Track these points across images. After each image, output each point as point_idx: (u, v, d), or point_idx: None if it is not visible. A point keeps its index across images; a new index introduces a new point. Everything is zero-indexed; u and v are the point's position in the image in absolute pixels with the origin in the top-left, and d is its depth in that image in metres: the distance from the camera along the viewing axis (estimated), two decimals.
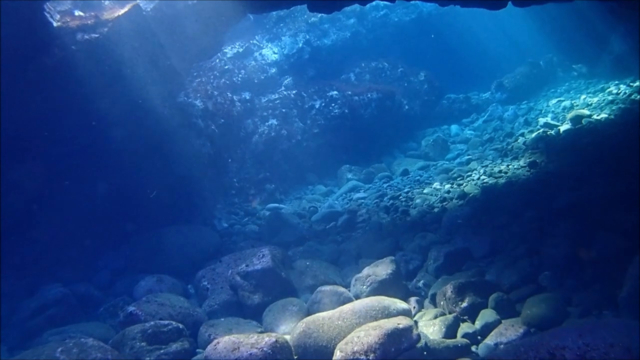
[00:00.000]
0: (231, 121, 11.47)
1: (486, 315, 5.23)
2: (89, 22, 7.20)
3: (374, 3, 16.82)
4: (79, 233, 7.82)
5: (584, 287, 5.34)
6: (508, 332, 4.85)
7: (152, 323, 5.64)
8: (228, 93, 11.91)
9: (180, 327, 5.77)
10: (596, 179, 7.60)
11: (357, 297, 6.23)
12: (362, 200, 10.27)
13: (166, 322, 5.73)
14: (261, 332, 6.00)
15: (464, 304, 5.43)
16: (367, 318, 5.22)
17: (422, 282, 6.37)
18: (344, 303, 6.02)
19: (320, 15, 15.45)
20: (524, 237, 6.72)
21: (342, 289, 6.33)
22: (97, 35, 7.20)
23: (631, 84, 12.68)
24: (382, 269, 6.30)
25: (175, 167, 9.25)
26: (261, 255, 6.96)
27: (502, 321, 5.15)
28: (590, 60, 15.67)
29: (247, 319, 6.48)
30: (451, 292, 5.55)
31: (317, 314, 5.51)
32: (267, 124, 12.27)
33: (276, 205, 10.76)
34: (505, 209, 7.78)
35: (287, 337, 5.56)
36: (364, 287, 6.22)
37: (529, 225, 6.96)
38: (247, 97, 12.45)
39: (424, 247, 7.29)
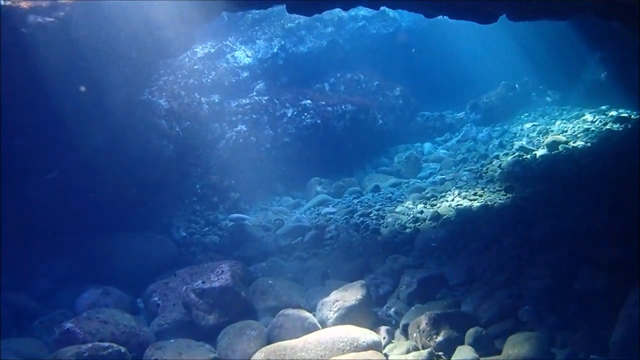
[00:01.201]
0: (197, 124, 10.84)
1: (463, 352, 4.76)
2: (44, 4, 6.51)
3: (352, 13, 16.58)
4: (18, 235, 7.04)
5: (567, 326, 4.93)
6: None
7: (89, 345, 4.99)
8: (196, 94, 11.29)
9: (122, 350, 5.13)
10: (575, 208, 7.30)
11: (323, 323, 5.69)
12: (331, 216, 9.76)
13: (106, 344, 5.08)
14: (214, 358, 5.42)
15: (439, 338, 4.96)
16: (334, 351, 4.70)
17: (393, 309, 5.87)
18: (308, 329, 5.50)
19: (297, 21, 15.00)
20: (501, 265, 6.31)
21: (306, 314, 5.78)
22: (51, 20, 6.51)
23: (606, 112, 12.59)
24: (351, 294, 5.78)
25: (132, 169, 8.56)
26: (220, 272, 6.35)
27: (482, 359, 4.70)
28: (564, 87, 15.66)
29: (200, 341, 5.86)
30: (426, 324, 5.07)
31: (278, 343, 4.96)
32: (235, 129, 11.67)
33: (240, 215, 10.14)
34: (481, 234, 7.39)
35: None
36: (331, 312, 5.69)
37: (507, 254, 6.57)
38: (216, 100, 11.85)
39: (396, 271, 6.82)
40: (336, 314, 5.63)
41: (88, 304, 6.42)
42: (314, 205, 10.78)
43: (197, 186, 10.48)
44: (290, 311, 5.79)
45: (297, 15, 14.82)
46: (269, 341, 5.54)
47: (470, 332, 4.95)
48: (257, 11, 14.48)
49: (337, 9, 15.90)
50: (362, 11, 16.99)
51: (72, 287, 7.07)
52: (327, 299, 5.90)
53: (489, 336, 4.94)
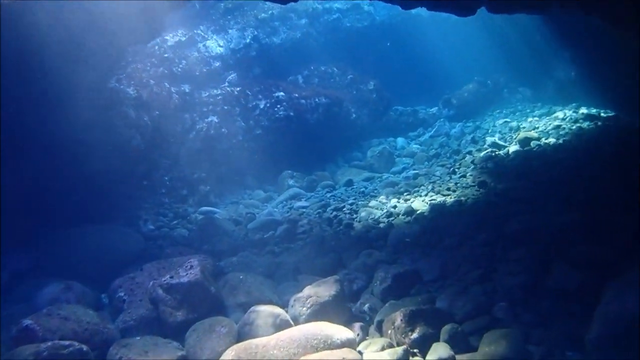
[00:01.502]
0: (167, 114, 10.53)
1: (439, 349, 4.66)
2: None
3: (327, 5, 16.42)
4: None
5: (541, 323, 4.88)
6: None
7: (49, 344, 4.73)
8: (166, 83, 10.97)
9: (84, 349, 4.88)
10: (547, 205, 7.30)
11: (296, 320, 5.53)
12: (304, 210, 9.59)
13: (67, 342, 4.82)
14: (182, 356, 5.21)
15: (414, 335, 4.84)
16: (307, 348, 4.54)
17: (367, 305, 5.74)
18: (280, 326, 5.33)
19: (270, 11, 14.78)
20: (475, 261, 6.25)
21: (278, 310, 5.61)
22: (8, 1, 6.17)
23: (576, 110, 12.72)
24: (324, 290, 5.63)
25: (98, 160, 8.24)
26: (189, 266, 6.13)
27: (457, 357, 4.60)
28: (535, 84, 15.81)
29: (167, 338, 5.62)
30: (401, 320, 4.95)
31: (249, 341, 4.77)
32: (206, 120, 11.39)
33: (210, 208, 9.91)
34: (455, 229, 7.32)
35: None
36: (304, 308, 5.53)
37: (481, 249, 6.52)
38: (187, 90, 11.53)
39: (370, 266, 6.69)
40: (309, 310, 5.47)
41: (49, 300, 6.11)
42: (286, 199, 10.60)
43: (166, 178, 10.19)
44: (261, 307, 5.61)
45: (271, 6, 14.64)
46: (240, 338, 5.35)
47: (446, 328, 4.85)
48: (230, 0, 14.23)
49: (311, 0, 15.78)
50: (337, 4, 16.87)
51: (32, 281, 6.76)
52: (300, 294, 5.74)
53: (464, 333, 4.85)
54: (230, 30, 13.68)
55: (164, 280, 6.03)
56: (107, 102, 8.91)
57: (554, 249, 5.86)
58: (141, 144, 9.26)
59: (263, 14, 14.60)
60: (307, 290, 5.71)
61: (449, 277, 6.13)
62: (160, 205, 9.66)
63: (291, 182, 11.43)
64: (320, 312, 5.42)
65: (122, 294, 6.32)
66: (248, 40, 13.78)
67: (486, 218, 7.39)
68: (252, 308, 5.64)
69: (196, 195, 10.36)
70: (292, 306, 5.70)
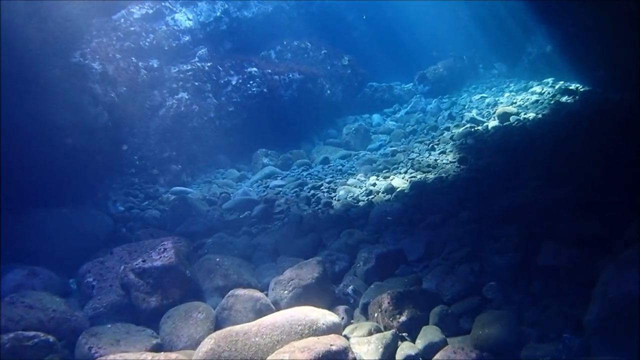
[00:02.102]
0: (135, 90, 10.03)
1: (429, 333, 4.46)
2: None
3: None
4: None
5: (534, 303, 4.72)
6: (457, 356, 4.10)
7: (11, 335, 4.36)
8: (133, 58, 10.44)
9: (51, 340, 4.53)
10: (530, 181, 7.17)
11: (277, 304, 5.27)
12: (280, 189, 9.31)
13: (32, 333, 4.46)
14: (157, 344, 4.92)
15: (403, 318, 4.63)
16: (292, 334, 4.29)
17: (351, 287, 5.51)
18: (261, 311, 5.07)
19: None
20: (461, 240, 6.07)
21: (258, 294, 5.34)
22: None
23: (553, 85, 12.65)
24: (307, 272, 5.38)
25: (63, 138, 7.77)
26: (162, 249, 5.80)
27: (448, 340, 4.42)
28: (511, 60, 15.73)
29: (140, 325, 5.30)
30: (388, 303, 4.73)
31: (230, 328, 4.49)
32: (176, 97, 10.92)
33: (182, 188, 9.54)
34: (438, 207, 7.14)
35: (191, 353, 4.53)
36: (285, 292, 5.27)
37: (466, 227, 6.34)
38: (155, 65, 11.02)
39: (351, 246, 6.46)
40: (291, 294, 5.22)
41: (12, 287, 5.71)
42: (261, 177, 10.29)
43: (135, 157, 9.76)
44: (240, 291, 5.33)
45: None
46: (218, 324, 5.08)
47: (435, 310, 4.66)
48: None
49: None
50: None
51: None
52: (280, 277, 5.48)
53: (454, 314, 4.67)
54: (199, 3, 13.13)
55: (136, 264, 5.69)
56: (71, 77, 8.41)
57: (542, 226, 5.72)
58: (108, 121, 8.77)
59: None
60: (289, 273, 5.45)
61: (435, 256, 5.95)
62: (130, 185, 9.26)
63: (266, 160, 11.11)
64: (303, 296, 5.17)
65: (90, 279, 5.96)
66: (218, 14, 13.27)
67: (469, 195, 7.24)
68: (231, 292, 5.36)
69: (167, 175, 9.97)
70: (272, 289, 5.44)
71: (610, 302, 3.75)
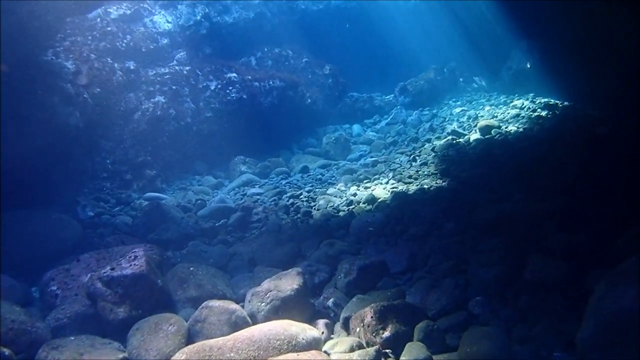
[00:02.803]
0: (109, 92, 9.70)
1: (414, 349, 4.24)
2: None
3: None
4: None
5: (522, 319, 4.53)
6: None
7: None
8: (108, 59, 10.11)
9: (7, 353, 4.19)
10: (513, 193, 7.06)
11: (253, 317, 5.00)
12: (258, 197, 9.04)
13: None
14: (124, 359, 4.60)
15: (386, 334, 4.40)
16: (269, 350, 4.03)
17: (331, 300, 5.26)
18: (236, 324, 4.79)
19: None
20: (445, 252, 5.89)
21: (234, 306, 5.06)
22: None
23: (533, 100, 12.66)
24: (286, 283, 5.12)
25: (31, 139, 7.41)
26: (133, 257, 5.48)
27: (434, 358, 4.20)
28: (491, 74, 15.75)
29: (106, 338, 4.98)
30: (371, 317, 4.50)
31: (203, 342, 4.21)
32: (152, 100, 10.60)
33: (156, 194, 9.20)
34: (420, 218, 6.96)
35: None
36: (263, 304, 5.00)
37: (450, 239, 6.17)
38: (132, 67, 10.69)
39: (332, 257, 6.23)
40: (269, 306, 4.95)
41: None
42: (239, 185, 10.01)
43: (108, 161, 9.41)
44: (214, 303, 5.05)
45: None
46: (190, 338, 4.78)
47: (420, 326, 4.44)
48: None
49: None
50: None
51: None
52: (258, 288, 5.20)
53: (440, 330, 4.45)
54: (179, 6, 12.83)
55: (104, 273, 5.36)
56: (42, 76, 8.06)
57: (527, 238, 5.57)
58: (80, 122, 8.42)
59: None
60: (267, 284, 5.19)
61: (418, 268, 5.74)
62: (101, 190, 8.89)
63: (243, 167, 10.84)
64: (281, 308, 4.91)
65: (54, 287, 5.62)
66: (198, 18, 12.99)
67: (452, 206, 7.08)
68: (204, 303, 5.07)
69: (141, 180, 9.62)
70: (249, 301, 5.17)
71: (605, 319, 3.58)
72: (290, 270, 5.39)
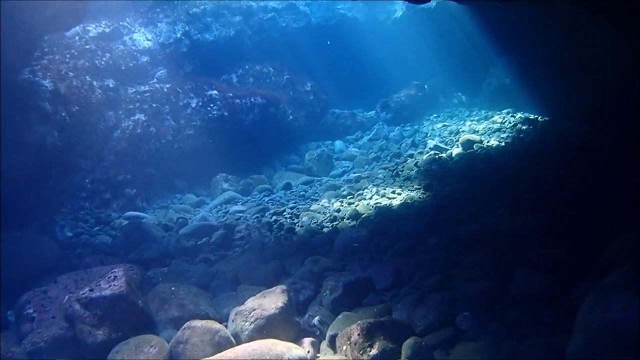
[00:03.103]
0: (88, 110, 9.57)
1: None
2: None
3: (262, 4, 15.85)
4: None
5: (510, 334, 4.48)
6: None
7: None
8: (87, 77, 9.99)
9: None
10: (497, 207, 7.05)
11: (237, 337, 4.88)
12: (241, 214, 8.93)
13: None
14: None
15: (374, 351, 4.32)
16: None
17: (317, 318, 5.17)
18: (220, 345, 4.68)
19: (203, 6, 14.01)
20: (430, 267, 5.84)
21: (217, 326, 4.95)
22: None
23: (514, 114, 12.79)
24: (270, 301, 5.02)
25: (7, 159, 7.24)
26: (112, 277, 5.35)
27: None
28: (471, 90, 15.91)
29: None
30: (358, 335, 4.42)
31: None
32: (132, 118, 10.47)
33: (136, 213, 9.04)
34: (405, 233, 6.92)
35: None
36: (247, 323, 4.89)
37: (434, 254, 6.13)
38: (111, 85, 10.57)
39: (317, 274, 6.15)
40: (253, 325, 4.84)
41: None
42: (221, 203, 9.90)
43: (87, 180, 9.23)
44: (197, 323, 4.93)
45: (203, 1, 13.92)
46: (172, 359, 4.65)
47: (408, 343, 4.37)
48: None
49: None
50: (272, 3, 16.34)
51: None
52: (242, 307, 5.10)
53: (428, 347, 4.39)
54: (159, 24, 12.78)
55: (83, 294, 5.22)
56: (19, 95, 7.92)
57: (512, 252, 5.55)
58: (58, 141, 8.28)
59: (195, 9, 13.80)
60: (251, 303, 5.08)
61: (404, 284, 5.68)
62: (80, 209, 8.71)
63: (225, 185, 10.73)
64: (266, 327, 4.81)
65: (30, 310, 5.45)
66: (179, 35, 12.95)
67: (436, 221, 7.05)
68: (187, 324, 4.95)
69: (121, 200, 9.46)
70: (232, 321, 5.05)
71: (595, 332, 3.54)
72: (274, 288, 5.30)
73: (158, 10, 13.09)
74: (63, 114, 8.67)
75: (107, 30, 11.50)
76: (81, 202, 8.92)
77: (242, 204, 9.67)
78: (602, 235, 5.38)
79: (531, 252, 5.42)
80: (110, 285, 5.24)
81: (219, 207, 9.72)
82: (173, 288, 5.73)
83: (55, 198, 8.53)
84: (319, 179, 11.22)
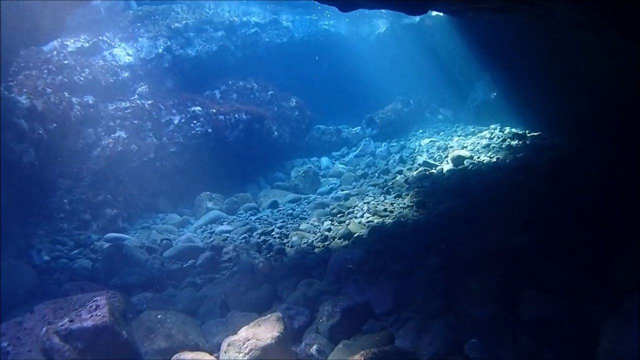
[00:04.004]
0: (66, 127, 9.20)
1: None
2: None
3: (244, 19, 15.66)
4: None
5: None
6: None
7: None
8: (65, 93, 9.62)
9: None
10: (494, 224, 6.84)
11: None
12: (227, 235, 8.59)
13: None
14: None
15: None
16: None
17: (315, 348, 4.85)
18: None
19: (185, 21, 13.76)
20: (432, 289, 5.58)
21: (208, 358, 4.61)
22: None
23: (502, 129, 12.71)
24: (265, 330, 4.70)
25: None
26: (94, 306, 4.96)
27: None
28: (456, 105, 15.87)
29: None
30: None
31: None
32: (113, 135, 10.10)
33: (118, 235, 8.64)
34: (402, 253, 6.67)
35: None
36: (241, 355, 4.56)
37: (435, 276, 5.87)
38: (90, 102, 10.19)
39: (311, 298, 5.85)
40: (247, 357, 4.51)
41: None
42: (206, 222, 9.53)
43: (65, 201, 8.82)
44: (186, 355, 4.60)
45: (185, 16, 13.67)
46: None
47: None
48: (140, 8, 13.12)
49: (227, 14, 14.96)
50: (255, 17, 16.17)
51: None
52: (234, 337, 4.76)
53: None
54: (140, 39, 12.47)
55: (62, 325, 4.83)
56: None
57: (518, 273, 5.32)
58: (35, 160, 7.90)
59: (177, 24, 13.54)
60: (244, 332, 4.75)
61: (404, 308, 5.40)
62: (58, 232, 8.29)
63: (210, 204, 10.37)
64: (261, 359, 4.48)
65: (5, 344, 5.02)
66: (160, 51, 12.65)
67: (433, 240, 6.80)
68: (175, 356, 4.62)
69: (101, 220, 9.05)
70: (225, 352, 4.71)
71: None
72: (269, 315, 4.98)
73: (139, 24, 12.81)
74: (40, 132, 8.30)
75: (86, 45, 11.14)
76: (59, 224, 8.49)
77: (228, 224, 9.33)
78: (605, 252, 5.21)
79: (538, 273, 5.21)
80: (92, 315, 4.86)
81: (204, 227, 9.37)
82: (159, 316, 5.37)
83: (31, 219, 8.12)
84: (306, 196, 10.94)
